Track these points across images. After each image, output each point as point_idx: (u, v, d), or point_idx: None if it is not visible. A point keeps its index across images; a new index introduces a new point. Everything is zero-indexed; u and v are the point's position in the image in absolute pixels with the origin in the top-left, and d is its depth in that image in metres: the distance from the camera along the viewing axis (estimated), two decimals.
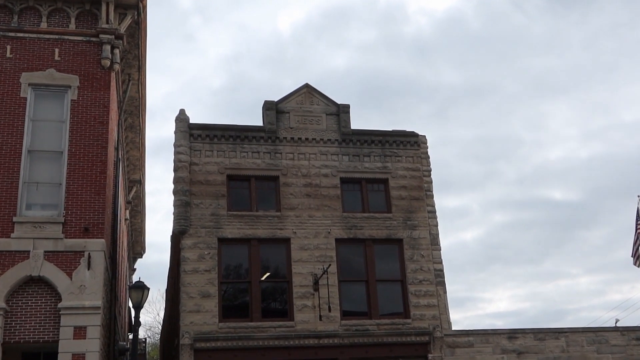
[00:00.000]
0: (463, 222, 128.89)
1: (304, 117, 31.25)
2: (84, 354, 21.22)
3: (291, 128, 30.81)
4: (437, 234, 30.98)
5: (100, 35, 24.29)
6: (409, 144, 32.23)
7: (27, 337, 21.32)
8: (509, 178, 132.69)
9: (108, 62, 24.21)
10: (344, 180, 30.87)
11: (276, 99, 30.95)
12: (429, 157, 31.79)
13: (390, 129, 32.26)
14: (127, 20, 25.15)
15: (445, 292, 29.57)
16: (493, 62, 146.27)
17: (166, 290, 42.47)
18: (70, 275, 22.12)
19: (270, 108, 31.10)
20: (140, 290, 25.17)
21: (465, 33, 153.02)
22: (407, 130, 32.29)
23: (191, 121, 30.19)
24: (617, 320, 48.32)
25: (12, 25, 24.46)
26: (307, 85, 32.09)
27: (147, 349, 64.89)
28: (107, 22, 24.63)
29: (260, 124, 31.12)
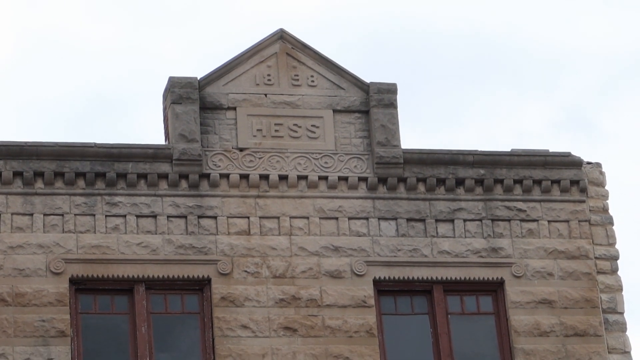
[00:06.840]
0: None
1: (275, 119, 18.99)
2: None
3: (240, 150, 18.40)
4: None
5: None
6: (556, 186, 18.55)
7: None
8: None
9: None
10: (384, 287, 18.36)
11: (180, 74, 19.28)
12: (612, 222, 17.90)
13: (505, 150, 19.20)
14: None
15: None
16: None
17: None
18: None
19: (188, 97, 18.93)
20: None
21: None
22: (550, 150, 18.63)
23: None
24: None
25: None
26: (281, 35, 19.19)
27: None
28: None
29: (156, 139, 20.12)
